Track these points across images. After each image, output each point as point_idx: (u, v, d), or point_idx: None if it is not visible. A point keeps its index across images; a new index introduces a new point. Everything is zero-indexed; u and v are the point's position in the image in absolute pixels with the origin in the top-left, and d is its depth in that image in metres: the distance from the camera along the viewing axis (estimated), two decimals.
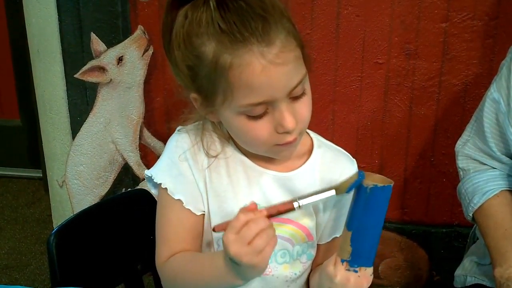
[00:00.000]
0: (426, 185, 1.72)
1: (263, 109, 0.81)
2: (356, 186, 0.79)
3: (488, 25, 1.55)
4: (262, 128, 0.83)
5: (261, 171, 0.92)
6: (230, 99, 0.81)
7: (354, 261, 0.82)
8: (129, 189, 1.89)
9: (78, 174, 1.93)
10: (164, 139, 1.81)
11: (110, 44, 1.77)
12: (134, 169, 1.90)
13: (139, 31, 1.74)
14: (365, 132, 1.70)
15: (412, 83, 1.64)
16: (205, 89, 0.83)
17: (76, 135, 1.88)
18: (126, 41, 1.76)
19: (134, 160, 1.89)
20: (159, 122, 1.83)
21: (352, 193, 0.81)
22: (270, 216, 0.77)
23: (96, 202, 1.81)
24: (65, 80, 1.83)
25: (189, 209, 0.91)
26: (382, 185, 0.78)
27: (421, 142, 1.69)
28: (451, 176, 1.65)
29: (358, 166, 0.97)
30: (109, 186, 1.93)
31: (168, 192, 0.91)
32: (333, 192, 0.79)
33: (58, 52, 1.80)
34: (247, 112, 0.82)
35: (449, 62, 1.59)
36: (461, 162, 1.18)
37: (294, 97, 0.82)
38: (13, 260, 2.20)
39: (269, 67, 0.78)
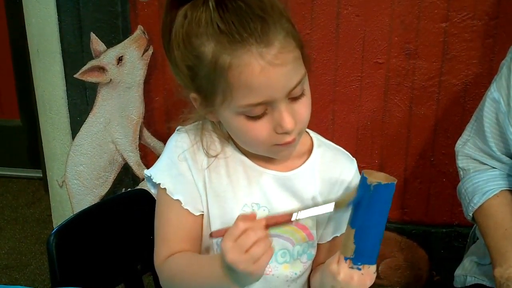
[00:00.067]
0: (426, 185, 1.72)
1: (262, 109, 0.81)
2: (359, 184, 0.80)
3: (488, 25, 1.55)
4: (261, 129, 0.82)
5: (261, 171, 0.92)
6: (229, 99, 0.81)
7: (358, 259, 0.82)
8: (129, 189, 1.89)
9: (78, 174, 1.92)
10: (164, 139, 1.81)
11: (110, 44, 1.77)
12: (134, 169, 1.89)
13: (139, 31, 1.74)
14: (365, 132, 1.70)
15: (412, 83, 1.63)
16: (204, 89, 0.83)
17: (76, 135, 1.88)
18: (126, 41, 1.76)
19: (134, 160, 1.88)
20: (159, 122, 1.83)
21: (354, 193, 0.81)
22: (268, 226, 0.77)
23: (96, 202, 1.82)
24: (65, 80, 1.83)
25: (187, 209, 0.91)
26: (385, 182, 0.78)
27: (421, 142, 1.68)
28: (451, 176, 1.65)
29: (358, 166, 0.97)
30: (109, 186, 1.93)
31: (167, 192, 0.91)
32: (331, 206, 0.80)
33: (58, 52, 1.80)
34: (246, 112, 0.81)
35: (449, 62, 1.59)
36: (461, 162, 1.18)
37: (293, 98, 0.82)
38: (13, 260, 2.20)
39: (268, 68, 0.78)
